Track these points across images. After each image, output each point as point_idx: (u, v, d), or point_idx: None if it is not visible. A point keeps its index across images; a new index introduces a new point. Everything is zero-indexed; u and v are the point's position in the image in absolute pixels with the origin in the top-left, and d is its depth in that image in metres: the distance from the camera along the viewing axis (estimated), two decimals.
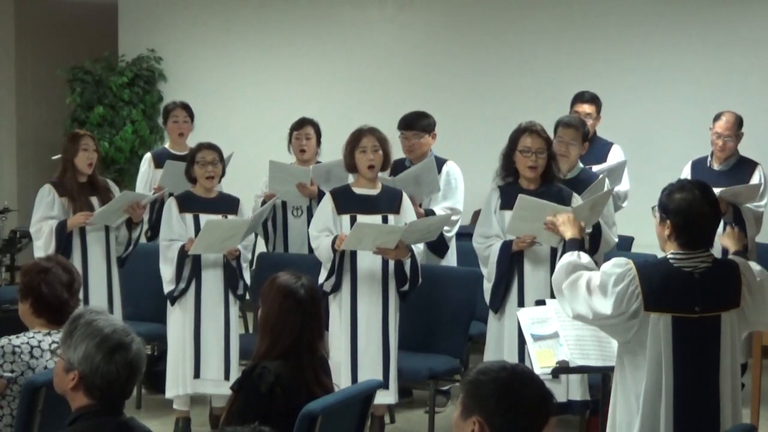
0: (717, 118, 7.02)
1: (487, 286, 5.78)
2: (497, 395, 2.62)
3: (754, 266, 4.01)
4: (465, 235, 6.69)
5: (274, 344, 3.85)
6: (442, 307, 6.45)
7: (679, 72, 8.56)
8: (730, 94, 8.16)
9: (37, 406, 3.90)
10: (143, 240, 7.00)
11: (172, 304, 6.25)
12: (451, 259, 6.90)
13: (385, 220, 5.95)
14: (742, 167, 7.01)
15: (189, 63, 10.09)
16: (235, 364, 6.25)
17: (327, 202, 6.02)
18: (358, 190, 6.02)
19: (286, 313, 3.86)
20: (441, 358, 6.30)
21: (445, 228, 6.58)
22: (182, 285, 6.19)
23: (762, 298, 3.94)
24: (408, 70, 9.35)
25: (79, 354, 3.08)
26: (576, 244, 4.27)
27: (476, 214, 7.15)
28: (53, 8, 11.07)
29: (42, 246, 6.37)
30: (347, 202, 5.97)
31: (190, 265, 6.18)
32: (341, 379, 5.65)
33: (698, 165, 7.11)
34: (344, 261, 5.92)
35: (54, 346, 4.00)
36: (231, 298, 6.28)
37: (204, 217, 6.20)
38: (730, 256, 4.20)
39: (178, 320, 6.24)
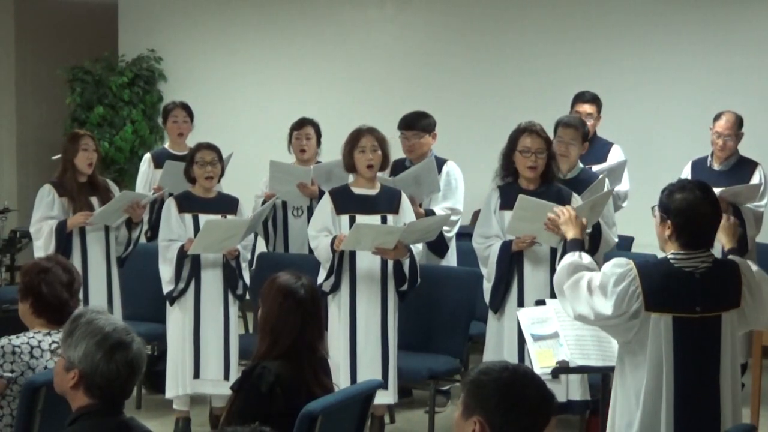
0: (717, 117, 7.02)
1: (487, 286, 5.78)
2: (499, 395, 2.62)
3: (752, 266, 4.01)
4: (465, 235, 6.69)
5: (274, 344, 3.85)
6: (442, 307, 6.44)
7: (679, 72, 8.56)
8: (730, 94, 8.15)
9: (37, 406, 3.90)
10: (143, 240, 7.00)
11: (172, 304, 6.24)
12: (451, 259, 6.90)
13: (384, 220, 5.95)
14: (743, 167, 7.01)
15: (189, 63, 10.09)
16: (234, 364, 6.25)
17: (326, 202, 6.01)
18: (357, 190, 6.01)
19: (286, 313, 3.86)
20: (441, 358, 6.30)
21: (445, 228, 6.58)
22: (181, 285, 6.19)
23: (760, 298, 3.94)
24: (408, 70, 9.35)
25: (80, 352, 3.08)
26: (577, 245, 4.26)
27: (476, 214, 7.15)
28: (53, 8, 11.07)
29: (42, 246, 6.37)
30: (346, 202, 5.97)
31: (189, 265, 6.18)
32: (340, 380, 5.65)
33: (698, 165, 7.11)
34: (343, 261, 5.92)
35: (54, 346, 4.00)
36: (230, 298, 6.28)
37: (203, 217, 6.20)
38: (728, 256, 4.20)
39: (177, 320, 6.24)
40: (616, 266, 3.86)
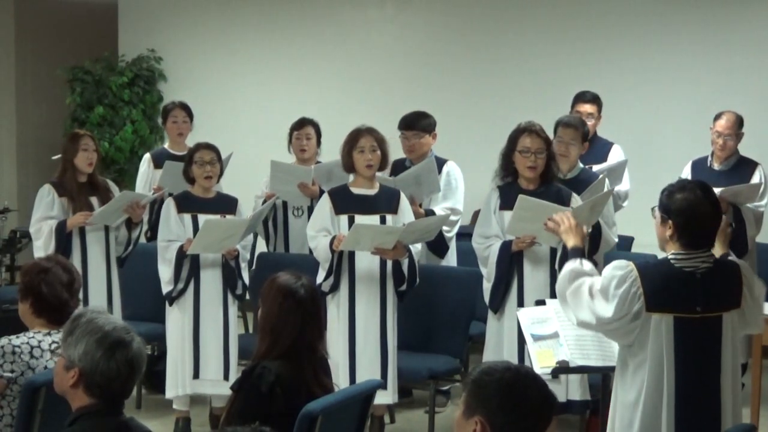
0: (717, 117, 7.02)
1: (487, 286, 5.78)
2: (501, 396, 2.62)
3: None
4: (465, 235, 6.69)
5: (274, 344, 3.85)
6: (442, 307, 6.44)
7: (679, 72, 8.56)
8: (730, 94, 8.15)
9: (37, 406, 3.90)
10: (143, 240, 7.00)
11: (171, 304, 6.24)
12: (451, 259, 6.90)
13: (383, 220, 5.95)
14: (743, 167, 7.01)
15: (189, 63, 10.09)
16: (234, 364, 6.25)
17: (325, 202, 6.01)
18: (356, 190, 6.01)
19: (286, 313, 3.86)
20: (441, 358, 6.30)
21: (445, 228, 6.58)
22: (181, 285, 6.19)
23: (758, 300, 3.96)
24: (408, 70, 9.35)
25: (80, 350, 3.08)
26: (578, 253, 4.23)
27: (476, 214, 7.15)
28: (53, 8, 11.07)
29: (41, 246, 6.37)
30: (345, 202, 5.97)
31: (188, 266, 6.18)
32: (339, 380, 5.64)
33: (698, 165, 7.11)
34: (342, 261, 5.91)
35: (54, 346, 3.99)
36: (230, 298, 6.28)
37: (202, 218, 6.19)
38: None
39: (176, 321, 6.24)
40: (617, 269, 3.86)
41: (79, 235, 6.42)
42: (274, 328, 3.86)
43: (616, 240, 6.19)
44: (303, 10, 9.71)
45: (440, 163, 6.79)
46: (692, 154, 7.30)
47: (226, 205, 6.38)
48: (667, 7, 8.62)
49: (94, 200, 6.47)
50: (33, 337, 4.10)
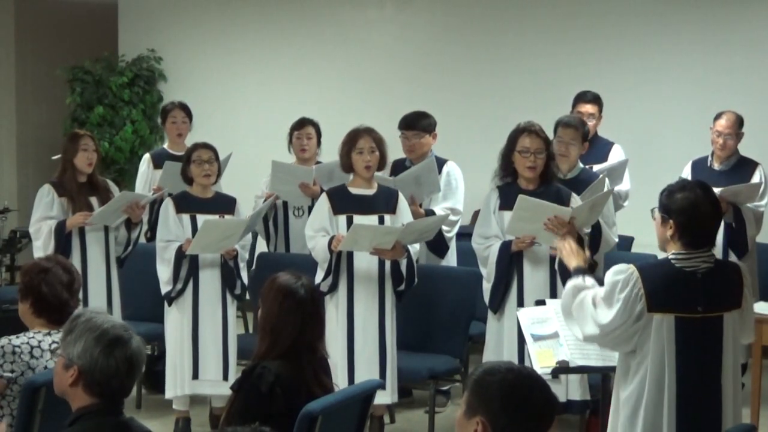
0: (718, 117, 7.02)
1: (487, 286, 5.78)
2: (503, 397, 2.61)
3: None
4: (465, 235, 6.69)
5: (274, 344, 3.85)
6: (442, 307, 6.44)
7: (679, 72, 8.56)
8: (730, 94, 8.15)
9: (37, 406, 3.90)
10: (143, 240, 7.00)
11: (170, 304, 6.24)
12: (451, 259, 6.90)
13: (381, 220, 5.95)
14: (743, 167, 7.01)
15: (189, 63, 10.09)
16: (233, 364, 6.25)
17: (323, 202, 6.01)
18: (354, 190, 6.01)
19: (286, 313, 3.86)
20: (441, 358, 6.30)
21: (445, 228, 6.58)
22: (179, 285, 6.19)
23: (750, 309, 3.99)
24: (408, 70, 9.35)
25: (78, 348, 3.08)
26: (580, 272, 4.23)
27: (476, 214, 7.14)
28: (53, 8, 11.06)
29: (41, 246, 6.37)
30: (343, 203, 5.96)
31: (187, 266, 6.18)
32: (338, 380, 5.64)
33: (698, 165, 7.10)
34: (341, 261, 5.91)
35: (54, 346, 3.99)
36: (228, 297, 6.28)
37: (201, 218, 6.19)
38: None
39: (175, 321, 6.24)
40: (618, 273, 3.86)
41: (78, 235, 6.42)
42: (274, 328, 3.86)
43: (616, 240, 6.19)
44: (303, 10, 9.70)
45: (440, 163, 6.78)
46: (692, 154, 7.30)
47: (224, 205, 6.38)
48: (667, 7, 8.62)
49: (93, 200, 6.47)
50: (33, 337, 4.10)
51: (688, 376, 3.82)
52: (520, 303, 5.59)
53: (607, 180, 6.26)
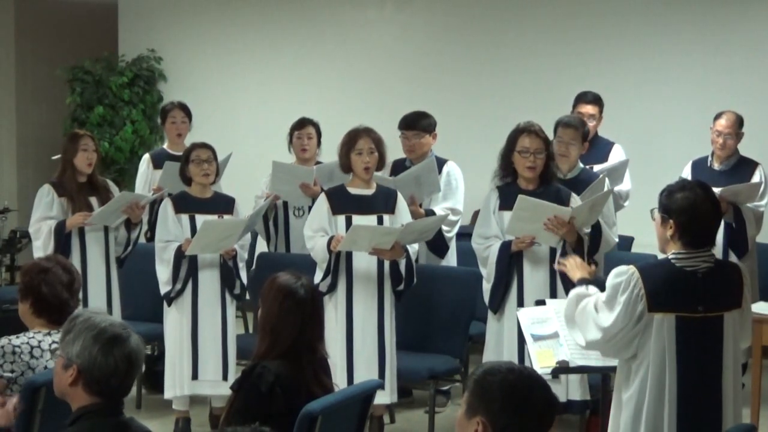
0: (718, 116, 7.02)
1: (487, 286, 5.78)
2: (503, 397, 2.61)
3: None
4: (465, 235, 6.69)
5: (274, 344, 3.85)
6: (442, 307, 6.44)
7: (679, 72, 8.56)
8: (730, 94, 8.15)
9: (37, 406, 3.90)
10: (143, 240, 7.00)
11: (169, 305, 6.24)
12: (451, 259, 6.90)
13: (380, 220, 5.94)
14: (743, 167, 7.00)
15: (189, 63, 10.09)
16: (232, 364, 6.25)
17: (322, 202, 6.00)
18: (353, 190, 6.01)
19: (286, 313, 3.86)
20: (441, 358, 6.29)
21: (445, 228, 6.58)
22: (179, 286, 6.18)
23: (748, 311, 4.00)
24: (408, 70, 9.35)
25: (77, 347, 3.08)
26: (584, 282, 4.23)
27: (476, 214, 7.14)
28: (53, 8, 11.07)
29: (41, 246, 6.36)
30: (342, 203, 5.96)
31: (186, 266, 6.18)
32: (337, 380, 5.63)
33: (699, 165, 7.10)
34: (340, 261, 5.91)
35: (54, 346, 3.99)
36: (228, 297, 6.28)
37: (200, 218, 6.19)
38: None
39: (175, 321, 6.24)
40: (618, 276, 3.86)
41: (78, 235, 6.42)
42: (274, 328, 3.86)
43: (617, 240, 6.19)
44: (303, 10, 9.71)
45: (440, 163, 6.78)
46: (692, 154, 7.29)
47: (223, 205, 6.38)
48: (667, 8, 8.62)
49: (93, 200, 6.47)
50: (33, 337, 4.09)
51: (688, 376, 3.83)
52: (520, 303, 5.59)
53: (607, 180, 6.26)
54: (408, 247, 5.93)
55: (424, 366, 6.16)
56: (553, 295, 5.55)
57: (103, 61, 10.12)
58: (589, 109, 7.25)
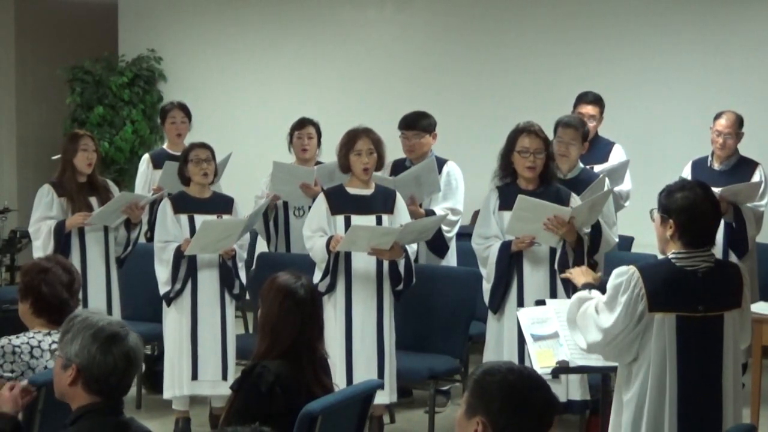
0: (718, 116, 7.02)
1: (487, 286, 5.78)
2: (503, 397, 2.61)
3: None
4: (465, 235, 6.69)
5: (273, 344, 3.85)
6: (442, 307, 6.44)
7: (679, 72, 8.56)
8: (730, 94, 8.15)
9: (37, 406, 3.89)
10: (143, 240, 7.00)
11: (168, 305, 6.24)
12: (451, 259, 6.90)
13: (379, 220, 5.94)
14: (743, 167, 7.01)
15: (189, 63, 10.09)
16: (232, 364, 6.25)
17: (321, 202, 6.00)
18: (352, 191, 6.00)
19: (286, 313, 3.86)
20: (441, 358, 6.29)
21: (445, 228, 6.58)
22: (178, 286, 6.18)
23: (748, 311, 4.00)
24: (408, 70, 9.35)
25: (76, 347, 3.08)
26: (587, 287, 4.24)
27: (476, 214, 7.14)
28: (53, 8, 11.07)
29: (41, 246, 6.36)
30: (341, 203, 5.96)
31: (185, 266, 6.18)
32: (336, 380, 5.62)
33: (699, 165, 7.10)
34: (339, 261, 5.91)
35: (54, 346, 3.99)
36: (227, 297, 6.28)
37: (199, 218, 6.19)
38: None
39: (174, 321, 6.24)
40: (618, 276, 3.86)
41: (78, 235, 6.42)
42: (274, 328, 3.87)
43: (617, 240, 6.19)
44: (303, 10, 9.71)
45: (440, 163, 6.78)
46: (692, 154, 7.30)
47: (222, 205, 6.38)
48: (667, 8, 8.62)
49: (93, 200, 6.47)
50: (33, 337, 4.10)
51: (688, 376, 3.83)
52: (520, 303, 5.59)
53: (606, 180, 6.26)
54: (407, 247, 5.92)
55: (424, 366, 6.16)
56: (553, 295, 5.55)
57: (103, 61, 10.12)
58: (589, 109, 7.25)
